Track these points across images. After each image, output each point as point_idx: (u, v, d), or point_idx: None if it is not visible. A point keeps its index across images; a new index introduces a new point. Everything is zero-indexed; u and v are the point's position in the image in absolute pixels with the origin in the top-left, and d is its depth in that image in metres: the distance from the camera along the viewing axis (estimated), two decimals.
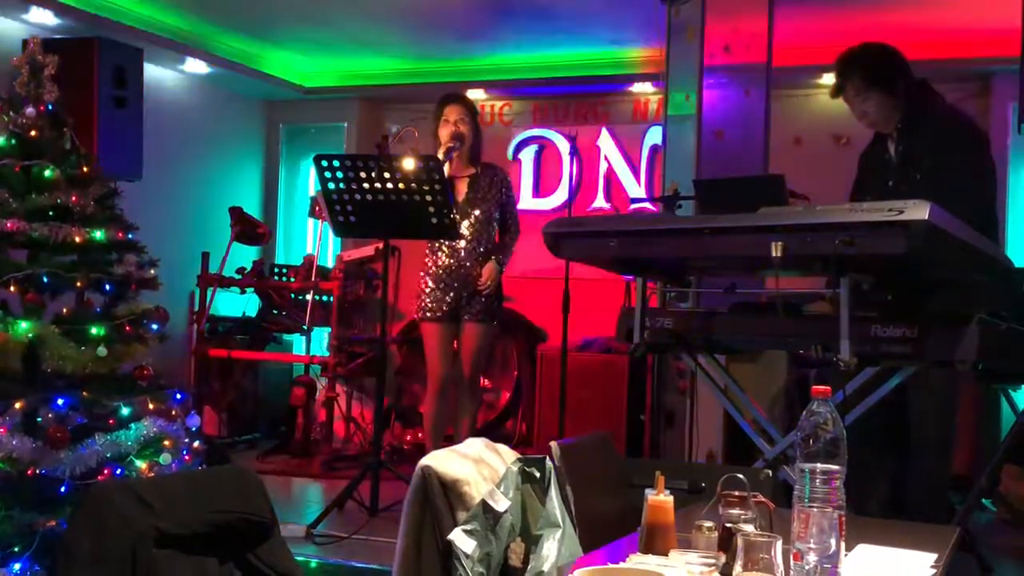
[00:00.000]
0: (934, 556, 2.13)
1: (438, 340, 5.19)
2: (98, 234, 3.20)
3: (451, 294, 5.16)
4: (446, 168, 5.03)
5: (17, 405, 3.04)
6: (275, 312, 7.18)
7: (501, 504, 2.11)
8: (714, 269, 4.08)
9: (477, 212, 5.20)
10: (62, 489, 2.98)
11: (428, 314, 5.19)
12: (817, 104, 6.98)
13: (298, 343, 7.66)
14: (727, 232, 3.27)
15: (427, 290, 5.20)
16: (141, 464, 3.11)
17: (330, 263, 7.07)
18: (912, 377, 3.52)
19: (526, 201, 7.71)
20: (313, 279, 6.60)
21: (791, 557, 1.76)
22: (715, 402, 4.88)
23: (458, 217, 5.08)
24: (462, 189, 5.22)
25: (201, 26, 7.06)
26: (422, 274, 5.25)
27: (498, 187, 5.27)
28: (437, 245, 5.20)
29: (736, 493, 2.07)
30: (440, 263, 5.19)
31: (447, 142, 5.15)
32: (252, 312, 7.37)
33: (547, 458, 2.38)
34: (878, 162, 4.14)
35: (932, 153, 3.88)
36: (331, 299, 6.59)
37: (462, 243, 5.16)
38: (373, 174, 4.56)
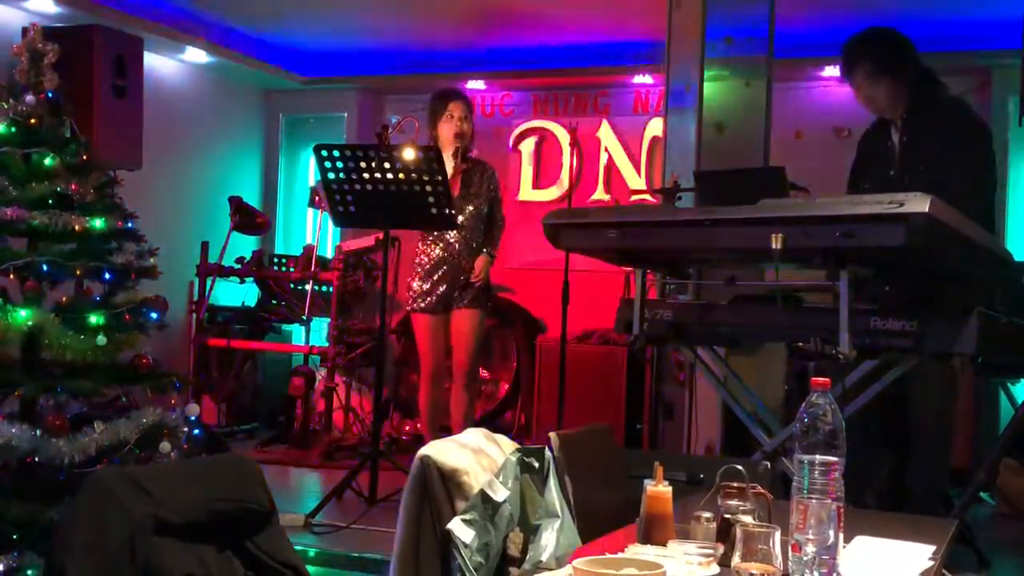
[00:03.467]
0: (932, 548, 2.14)
1: (430, 331, 5.25)
2: (98, 222, 3.19)
3: (443, 286, 5.22)
4: (450, 165, 5.08)
5: (16, 393, 3.04)
6: (274, 302, 7.18)
7: (500, 494, 2.11)
8: (714, 261, 4.08)
9: (470, 207, 5.26)
10: (61, 477, 2.98)
11: (420, 305, 5.24)
12: (818, 96, 6.98)
13: (297, 333, 7.65)
14: (727, 224, 3.27)
15: (419, 282, 5.25)
16: (140, 453, 3.11)
17: (330, 253, 7.06)
18: (910, 368, 3.52)
19: (526, 192, 7.71)
20: (312, 269, 6.60)
21: (789, 548, 1.77)
22: (714, 394, 4.88)
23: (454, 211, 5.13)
24: (456, 185, 5.24)
25: (201, 15, 7.04)
26: (414, 266, 5.31)
27: (488, 183, 5.35)
28: (430, 238, 5.25)
29: (735, 484, 2.07)
30: (432, 256, 5.24)
31: (454, 141, 5.21)
32: (251, 302, 7.37)
33: (546, 448, 2.38)
34: (879, 149, 4.12)
35: (936, 143, 3.87)
36: (330, 289, 6.58)
37: (453, 236, 5.22)
38: (373, 164, 4.56)
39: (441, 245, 5.23)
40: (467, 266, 5.23)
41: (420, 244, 5.30)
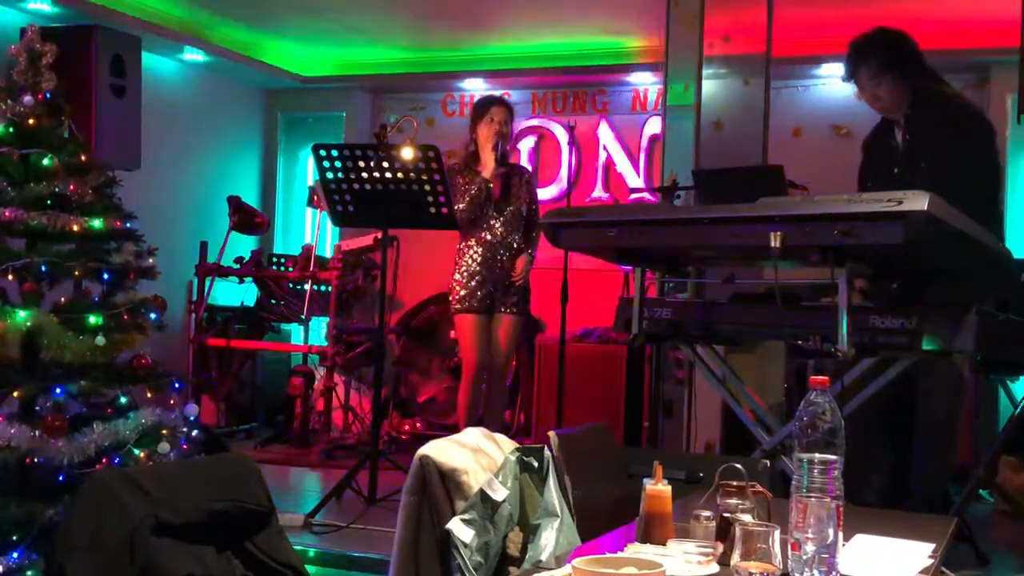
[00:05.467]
0: (931, 546, 2.14)
1: (474, 331, 5.31)
2: (96, 223, 3.19)
3: (487, 287, 5.31)
4: (491, 164, 5.26)
5: (15, 394, 3.04)
6: (273, 302, 7.17)
7: (499, 494, 2.11)
8: (713, 259, 4.08)
9: (510, 209, 5.37)
10: (60, 478, 2.98)
11: (464, 305, 5.31)
12: (816, 95, 6.97)
13: (296, 333, 7.65)
14: (726, 222, 3.26)
15: (463, 284, 5.32)
16: (139, 453, 3.10)
17: (328, 253, 7.06)
18: (921, 362, 3.51)
19: None
20: (311, 269, 6.59)
21: (789, 547, 1.77)
22: (713, 392, 4.88)
23: (495, 214, 5.31)
24: (496, 187, 5.34)
25: (200, 15, 7.04)
26: (456, 267, 5.37)
27: (526, 186, 5.47)
28: (471, 240, 5.33)
29: (734, 483, 2.07)
30: (474, 257, 5.32)
31: (492, 140, 5.31)
32: (250, 302, 7.36)
33: (545, 448, 2.38)
34: (884, 149, 4.12)
35: (938, 140, 3.87)
36: (329, 289, 6.58)
37: (490, 237, 5.31)
38: (372, 163, 4.57)
39: (482, 247, 5.31)
40: (509, 265, 5.33)
41: (460, 245, 5.38)
